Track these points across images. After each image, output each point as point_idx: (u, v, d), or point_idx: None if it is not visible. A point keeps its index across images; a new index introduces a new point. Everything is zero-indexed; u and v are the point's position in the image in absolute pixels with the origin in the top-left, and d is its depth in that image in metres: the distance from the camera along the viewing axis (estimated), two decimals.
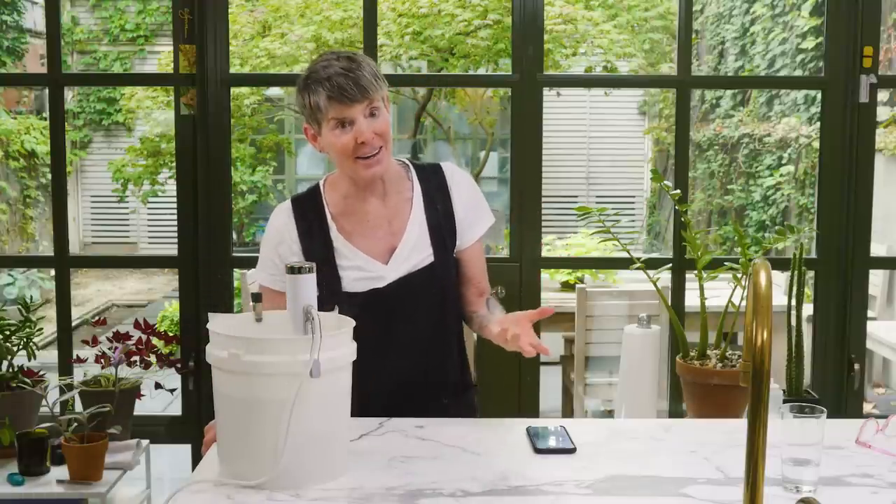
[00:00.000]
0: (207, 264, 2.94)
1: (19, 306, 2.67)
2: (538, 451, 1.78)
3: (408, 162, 2.09)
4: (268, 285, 2.02)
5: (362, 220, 2.01)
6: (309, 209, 2.02)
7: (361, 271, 1.97)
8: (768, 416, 1.32)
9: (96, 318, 4.53)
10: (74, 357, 2.83)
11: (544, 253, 3.37)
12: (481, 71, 7.15)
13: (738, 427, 1.85)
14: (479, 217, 2.08)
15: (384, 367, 1.97)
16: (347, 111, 1.88)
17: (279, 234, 2.01)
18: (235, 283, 4.12)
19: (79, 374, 2.79)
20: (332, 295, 1.92)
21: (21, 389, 2.54)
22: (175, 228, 2.99)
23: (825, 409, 1.61)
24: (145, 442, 2.69)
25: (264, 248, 2.04)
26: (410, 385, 2.02)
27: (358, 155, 1.91)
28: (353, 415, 1.68)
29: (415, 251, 1.99)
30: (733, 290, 2.32)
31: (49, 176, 3.49)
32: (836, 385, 2.98)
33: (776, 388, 2.36)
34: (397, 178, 2.04)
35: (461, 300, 2.11)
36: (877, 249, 4.21)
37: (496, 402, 2.94)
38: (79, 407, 2.56)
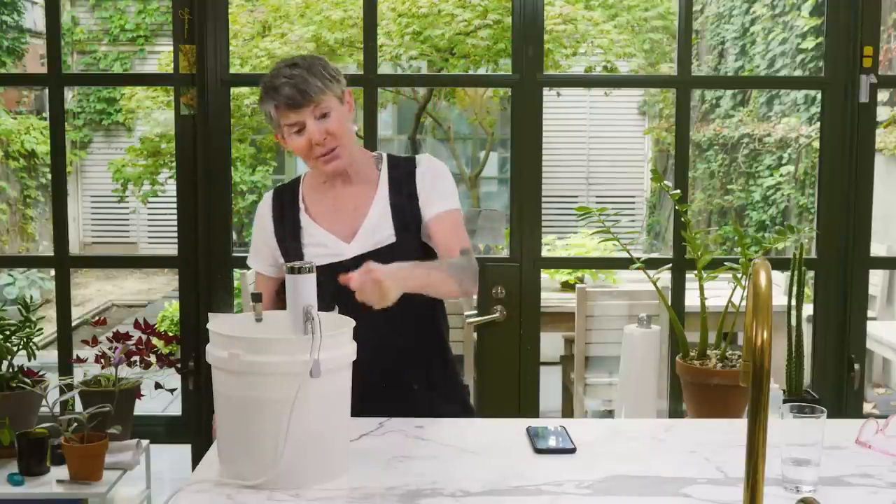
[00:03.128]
0: (207, 264, 2.94)
1: (19, 306, 2.66)
2: (538, 451, 1.78)
3: (382, 154, 2.19)
4: (257, 269, 2.21)
5: (329, 205, 2.13)
6: (286, 196, 2.17)
7: (324, 247, 2.08)
8: (768, 416, 1.32)
9: (96, 318, 4.52)
10: (74, 357, 2.83)
11: (544, 253, 3.36)
12: (481, 71, 7.15)
13: (738, 427, 1.85)
14: (440, 197, 2.10)
15: None
16: (296, 117, 2.00)
17: (260, 220, 2.18)
18: (235, 283, 4.12)
19: (79, 374, 2.78)
20: None
21: (21, 389, 2.53)
22: (175, 228, 2.99)
23: (825, 409, 1.61)
24: (145, 442, 2.68)
25: (253, 234, 2.22)
26: (378, 366, 2.00)
27: (315, 155, 2.03)
28: None
29: (377, 231, 2.07)
30: (733, 290, 2.32)
31: (49, 176, 3.48)
32: (836, 385, 2.97)
33: (776, 388, 2.36)
34: (366, 167, 2.14)
35: None
36: (877, 249, 4.21)
37: (496, 402, 2.94)
38: (79, 407, 2.55)
